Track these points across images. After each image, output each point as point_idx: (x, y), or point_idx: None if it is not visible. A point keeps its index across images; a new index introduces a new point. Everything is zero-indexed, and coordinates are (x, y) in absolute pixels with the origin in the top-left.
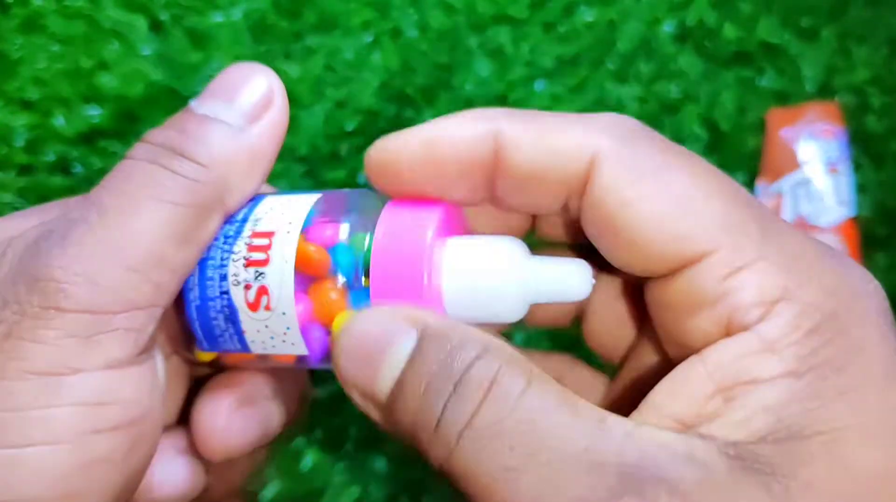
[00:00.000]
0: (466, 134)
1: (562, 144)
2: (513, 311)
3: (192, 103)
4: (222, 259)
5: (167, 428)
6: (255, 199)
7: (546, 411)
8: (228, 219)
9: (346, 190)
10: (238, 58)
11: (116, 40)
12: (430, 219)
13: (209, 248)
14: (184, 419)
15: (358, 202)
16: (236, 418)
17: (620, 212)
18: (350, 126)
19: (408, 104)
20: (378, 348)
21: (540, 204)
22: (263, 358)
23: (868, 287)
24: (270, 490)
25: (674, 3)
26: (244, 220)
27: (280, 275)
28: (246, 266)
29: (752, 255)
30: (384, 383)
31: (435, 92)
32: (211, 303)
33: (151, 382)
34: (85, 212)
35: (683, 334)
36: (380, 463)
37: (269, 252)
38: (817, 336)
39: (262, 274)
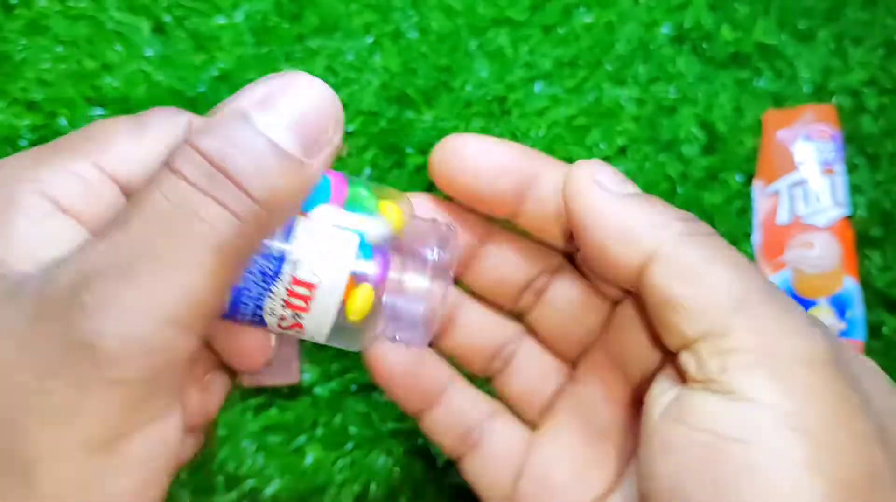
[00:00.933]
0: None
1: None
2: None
3: (250, 108)
4: (259, 294)
5: None
6: (287, 225)
7: None
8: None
9: (383, 227)
10: (240, 59)
11: (119, 42)
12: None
13: (243, 278)
14: None
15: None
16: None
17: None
18: (351, 127)
19: (408, 105)
20: None
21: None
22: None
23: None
24: (272, 487)
25: (671, 5)
26: (281, 260)
27: (318, 324)
28: (285, 306)
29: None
30: None
31: (435, 93)
32: (239, 317)
33: (180, 415)
34: (126, 258)
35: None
36: (381, 461)
37: (310, 303)
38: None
39: (300, 316)
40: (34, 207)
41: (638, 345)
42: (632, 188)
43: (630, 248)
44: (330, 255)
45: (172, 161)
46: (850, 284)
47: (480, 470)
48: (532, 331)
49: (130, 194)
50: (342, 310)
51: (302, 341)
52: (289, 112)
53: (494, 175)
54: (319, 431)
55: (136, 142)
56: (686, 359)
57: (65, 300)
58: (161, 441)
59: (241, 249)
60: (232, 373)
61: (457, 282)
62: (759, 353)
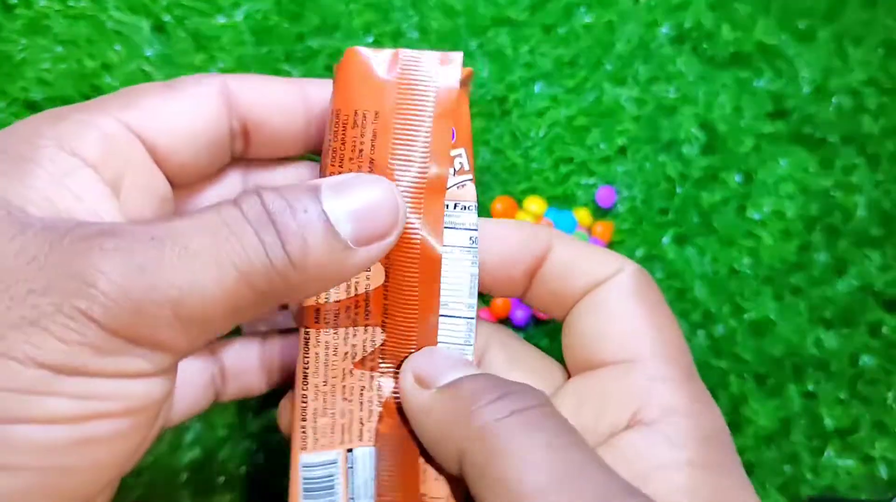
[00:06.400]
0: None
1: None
2: None
3: (325, 186)
4: None
5: None
6: None
7: None
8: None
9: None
10: (240, 59)
11: (119, 41)
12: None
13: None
14: None
15: None
16: None
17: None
18: None
19: None
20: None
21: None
22: None
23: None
24: (272, 487)
25: (671, 5)
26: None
27: None
28: None
29: (671, 374)
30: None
31: None
32: None
33: (161, 385)
34: (162, 234)
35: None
36: None
37: None
38: (707, 445)
39: None
40: (52, 159)
41: None
42: (461, 368)
43: (445, 448)
44: None
45: (239, 199)
46: None
47: None
48: None
49: (153, 150)
50: None
51: None
52: (356, 201)
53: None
54: None
55: (164, 101)
56: None
57: (87, 239)
58: (112, 390)
59: (261, 291)
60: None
61: None
62: None
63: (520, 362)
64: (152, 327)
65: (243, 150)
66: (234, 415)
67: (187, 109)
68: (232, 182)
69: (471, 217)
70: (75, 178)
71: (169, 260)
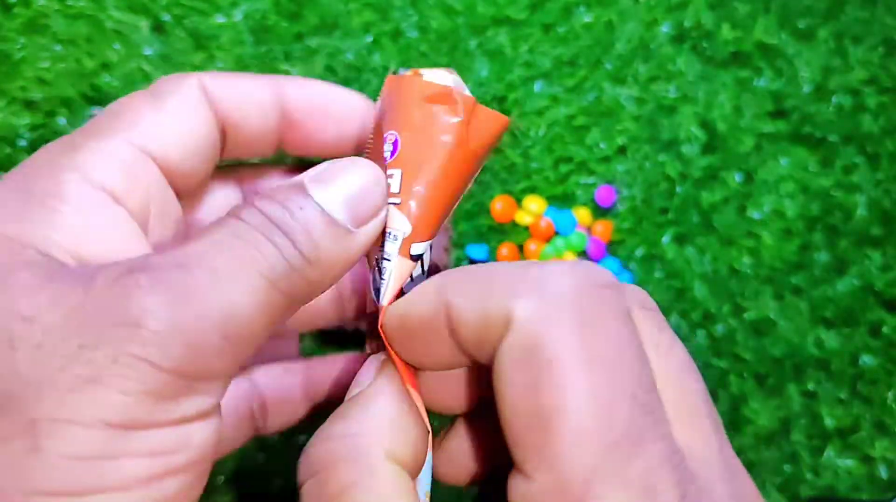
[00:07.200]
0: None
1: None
2: None
3: (307, 180)
4: None
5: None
6: None
7: None
8: None
9: None
10: (239, 58)
11: (118, 41)
12: None
13: None
14: None
15: None
16: None
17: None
18: None
19: None
20: None
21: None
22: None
23: None
24: (272, 487)
25: (671, 4)
26: None
27: None
28: None
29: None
30: None
31: None
32: None
33: (216, 425)
34: (186, 261)
35: None
36: None
37: None
38: None
39: None
40: (78, 195)
41: None
42: None
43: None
44: None
45: (237, 212)
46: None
47: None
48: None
49: (166, 168)
50: None
51: None
52: (342, 187)
53: None
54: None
55: (158, 113)
56: None
57: (120, 279)
58: (177, 441)
59: (290, 293)
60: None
61: None
62: None
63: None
64: (205, 357)
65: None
66: None
67: (182, 117)
68: (224, 191)
69: (389, 246)
70: (104, 215)
71: (203, 285)
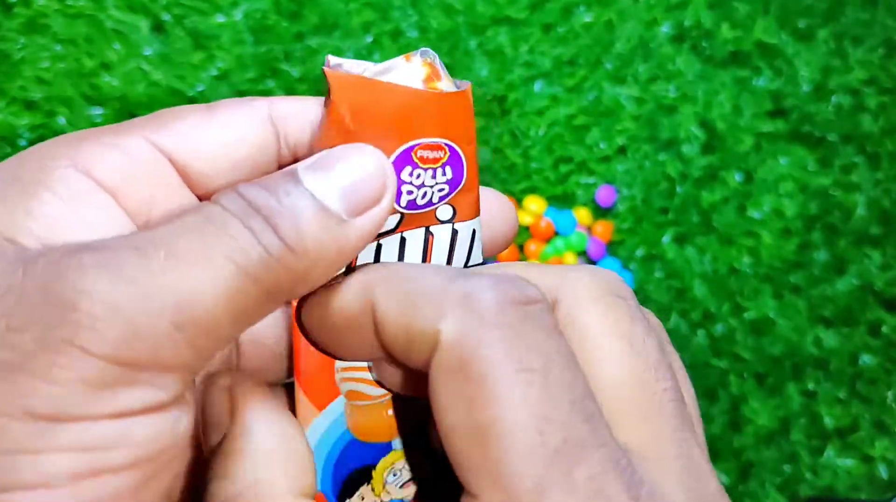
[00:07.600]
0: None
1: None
2: None
3: (300, 167)
4: None
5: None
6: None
7: None
8: None
9: None
10: (239, 58)
11: (118, 41)
12: None
13: None
14: None
15: None
16: None
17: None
18: None
19: None
20: None
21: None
22: None
23: None
24: None
25: (671, 4)
26: None
27: None
28: None
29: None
30: None
31: None
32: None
33: (171, 422)
34: (144, 242)
35: None
36: None
37: None
38: None
39: None
40: (64, 182)
41: None
42: None
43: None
44: None
45: (215, 197)
46: None
47: None
48: None
49: (188, 177)
50: None
51: None
52: (339, 172)
53: None
54: None
55: (201, 123)
56: None
57: (62, 259)
58: (114, 435)
59: (265, 284)
60: None
61: None
62: None
63: None
64: (152, 344)
65: None
66: None
67: (226, 133)
68: None
69: None
70: (88, 203)
71: (157, 265)
